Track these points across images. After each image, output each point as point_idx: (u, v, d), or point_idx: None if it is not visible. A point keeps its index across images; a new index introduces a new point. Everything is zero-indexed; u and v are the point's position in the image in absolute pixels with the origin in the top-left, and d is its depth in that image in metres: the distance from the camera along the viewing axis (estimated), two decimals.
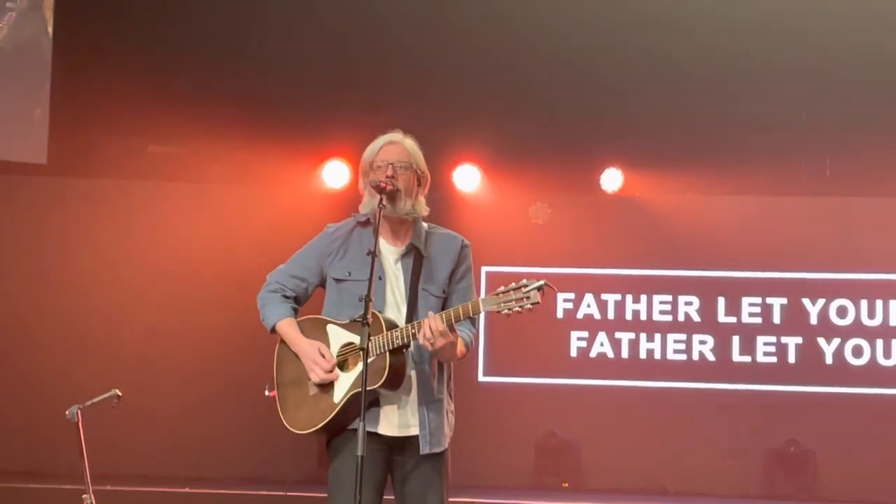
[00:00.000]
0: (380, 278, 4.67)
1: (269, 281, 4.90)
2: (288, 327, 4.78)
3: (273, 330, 4.82)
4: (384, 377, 4.51)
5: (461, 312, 4.46)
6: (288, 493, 7.90)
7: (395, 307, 4.69)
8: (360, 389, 4.38)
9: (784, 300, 9.95)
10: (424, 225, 4.84)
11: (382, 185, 4.65)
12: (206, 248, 9.80)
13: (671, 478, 9.61)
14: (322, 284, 4.84)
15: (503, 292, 4.37)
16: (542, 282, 4.32)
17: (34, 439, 9.15)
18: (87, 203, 9.96)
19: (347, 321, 4.65)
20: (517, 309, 4.34)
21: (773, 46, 9.32)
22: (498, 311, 4.39)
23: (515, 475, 9.57)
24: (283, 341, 4.82)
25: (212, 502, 8.36)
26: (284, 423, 4.76)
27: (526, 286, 4.33)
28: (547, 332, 10.00)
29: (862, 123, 9.47)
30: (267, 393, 4.84)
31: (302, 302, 4.89)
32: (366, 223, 4.76)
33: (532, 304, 4.32)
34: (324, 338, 4.70)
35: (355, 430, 4.37)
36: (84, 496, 6.17)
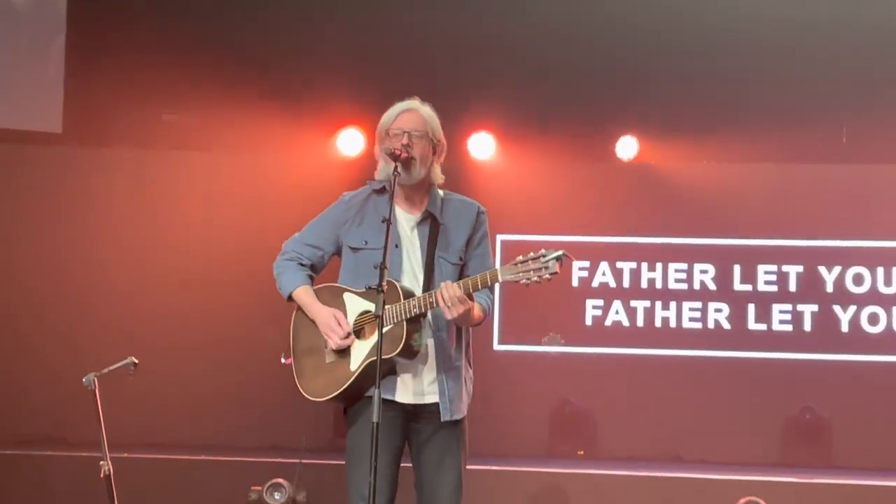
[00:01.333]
0: (396, 246, 4.68)
1: (285, 249, 4.91)
2: (304, 295, 4.80)
3: (290, 298, 4.84)
4: (401, 346, 4.53)
5: (479, 282, 4.47)
6: (303, 461, 7.91)
7: (411, 275, 4.70)
8: (376, 357, 4.39)
9: (800, 268, 9.93)
10: (440, 192, 4.84)
11: (397, 152, 4.66)
12: (220, 216, 9.81)
13: (686, 445, 9.61)
14: (338, 253, 4.85)
15: (521, 262, 4.37)
16: (560, 252, 4.31)
17: (51, 407, 9.19)
18: (101, 172, 9.97)
19: (364, 289, 4.65)
20: (535, 279, 4.34)
21: (790, 11, 9.25)
22: (516, 282, 4.38)
23: (530, 443, 9.59)
24: (299, 309, 4.83)
25: (228, 470, 8.39)
26: (301, 390, 4.77)
27: (545, 256, 4.33)
28: (562, 301, 9.99)
29: (879, 90, 9.41)
30: (283, 360, 4.86)
31: (318, 270, 4.90)
32: (381, 191, 4.76)
33: (551, 273, 4.32)
34: (340, 306, 4.72)
35: (371, 398, 4.38)
36: (101, 463, 6.21)
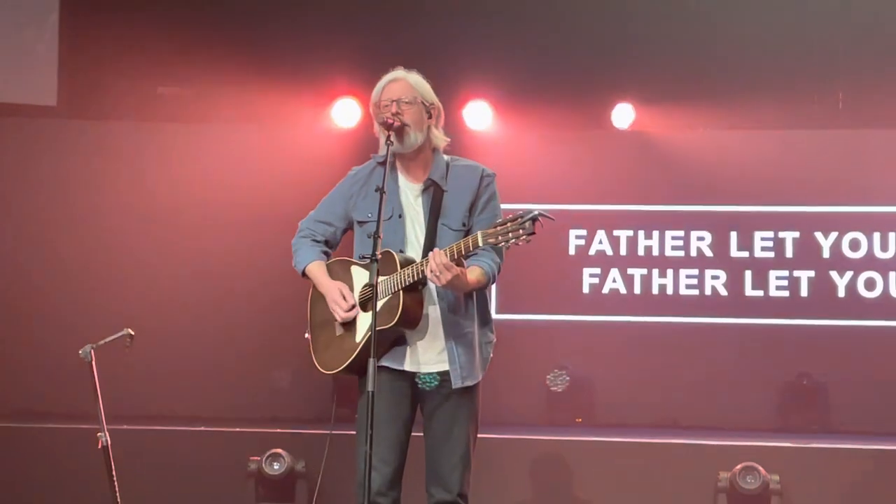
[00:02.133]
0: (399, 216, 4.72)
1: (300, 227, 5.00)
2: (316, 269, 4.88)
3: (304, 274, 4.89)
4: (397, 316, 4.55)
5: (462, 246, 4.48)
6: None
7: (416, 244, 4.73)
8: (377, 328, 4.42)
9: (796, 234, 9.93)
10: (445, 157, 4.85)
11: (389, 121, 4.67)
12: (216, 188, 9.80)
13: (683, 412, 9.64)
14: (351, 227, 4.89)
15: (500, 224, 4.38)
16: (536, 212, 4.32)
17: (48, 380, 9.20)
18: (96, 145, 9.95)
19: (366, 261, 4.69)
20: (513, 241, 4.34)
21: None
22: (496, 244, 4.39)
23: (529, 411, 9.62)
24: (314, 285, 4.89)
25: (227, 441, 8.42)
26: (315, 363, 4.82)
27: (521, 218, 4.33)
28: (559, 269, 10.00)
29: (875, 54, 9.40)
30: (307, 336, 4.93)
31: (333, 246, 4.97)
32: (384, 163, 4.77)
33: (528, 234, 4.31)
34: (348, 278, 4.78)
35: (381, 368, 4.43)
36: (99, 434, 6.24)
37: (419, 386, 4.68)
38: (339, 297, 4.72)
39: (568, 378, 8.96)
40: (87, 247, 9.76)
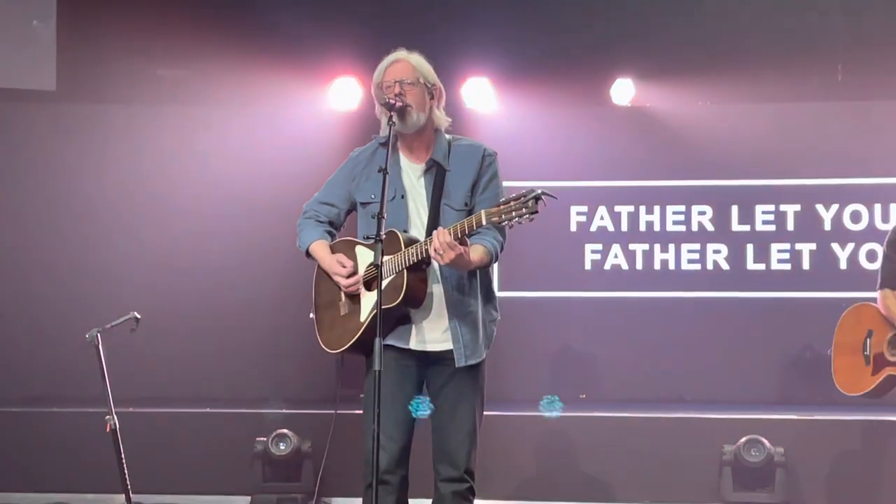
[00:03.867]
0: (402, 196, 4.74)
1: (305, 209, 5.04)
2: (319, 248, 4.91)
3: (308, 254, 4.92)
4: (402, 295, 4.58)
5: (465, 225, 4.50)
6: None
7: (419, 223, 4.76)
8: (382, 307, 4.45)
9: (797, 207, 9.93)
10: (447, 137, 4.88)
11: (392, 102, 4.69)
12: (217, 170, 9.80)
13: (688, 386, 9.67)
14: (354, 209, 4.92)
15: (504, 203, 4.40)
16: (539, 191, 4.34)
17: (56, 364, 9.23)
18: (97, 128, 9.94)
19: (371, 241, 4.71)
20: (517, 219, 4.36)
21: None
22: (499, 223, 4.41)
23: (532, 388, 9.62)
24: (319, 265, 4.92)
25: (233, 421, 8.47)
26: (321, 343, 4.85)
27: (525, 197, 4.35)
28: (561, 246, 10.01)
29: (873, 26, 9.39)
30: (312, 316, 4.95)
31: (337, 227, 5.01)
32: (386, 143, 4.80)
33: (531, 213, 4.34)
34: (353, 258, 4.81)
35: (387, 347, 4.45)
36: (107, 417, 6.27)
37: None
38: (339, 267, 4.75)
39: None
40: (90, 231, 9.77)
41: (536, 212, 4.33)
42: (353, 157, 5.00)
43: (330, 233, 4.97)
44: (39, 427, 8.35)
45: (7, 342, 9.48)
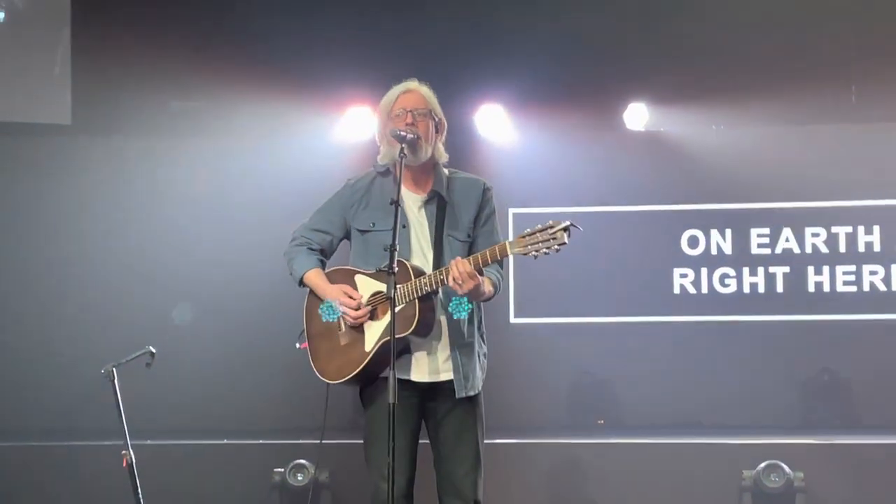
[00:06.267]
0: (403, 226, 4.72)
1: (294, 236, 4.97)
2: (316, 277, 4.85)
3: (301, 282, 4.87)
4: (414, 324, 4.56)
5: (489, 256, 4.48)
6: (323, 441, 7.95)
7: (420, 254, 4.74)
8: (389, 337, 4.41)
9: (816, 229, 9.87)
10: (445, 170, 4.87)
11: (403, 133, 4.68)
12: (232, 202, 9.81)
13: (705, 411, 9.61)
14: (346, 237, 4.89)
15: (529, 234, 4.39)
16: (567, 222, 4.33)
17: (72, 398, 9.21)
18: (112, 161, 9.96)
19: (374, 271, 4.68)
20: (545, 251, 4.35)
21: None
22: (525, 255, 4.39)
23: (551, 414, 9.62)
24: (311, 293, 4.87)
25: (250, 453, 8.45)
26: (317, 373, 4.81)
27: (552, 227, 4.33)
28: (577, 271, 9.96)
29: (886, 47, 9.37)
30: (298, 346, 4.90)
31: (328, 255, 4.95)
32: (385, 173, 4.79)
33: (559, 244, 4.32)
34: (353, 287, 4.75)
35: (387, 378, 4.40)
36: (123, 452, 6.26)
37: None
38: (346, 298, 4.72)
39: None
40: (106, 263, 9.77)
41: (565, 243, 4.31)
42: (350, 184, 4.97)
43: (322, 261, 4.94)
44: (57, 462, 8.34)
45: (23, 375, 9.47)
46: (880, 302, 9.70)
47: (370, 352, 4.66)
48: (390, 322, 4.40)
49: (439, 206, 4.79)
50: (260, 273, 9.49)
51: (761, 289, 9.91)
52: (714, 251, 10.02)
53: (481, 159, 9.27)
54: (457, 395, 4.70)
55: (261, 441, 8.60)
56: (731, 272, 9.96)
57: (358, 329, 4.71)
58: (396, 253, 4.43)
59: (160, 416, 8.93)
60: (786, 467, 7.73)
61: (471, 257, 4.52)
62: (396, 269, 4.42)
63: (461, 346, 4.72)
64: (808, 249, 9.89)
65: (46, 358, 9.55)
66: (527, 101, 9.77)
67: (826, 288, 9.84)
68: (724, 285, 9.96)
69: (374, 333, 4.67)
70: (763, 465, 7.75)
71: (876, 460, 8.00)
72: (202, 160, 9.91)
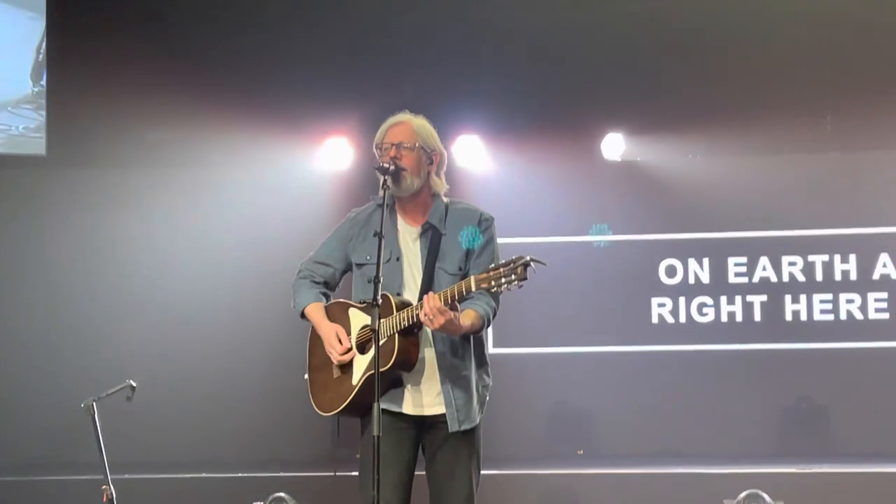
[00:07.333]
0: (397, 259, 4.72)
1: (300, 269, 5.01)
2: (314, 312, 4.87)
3: (303, 315, 4.89)
4: (393, 359, 4.55)
5: (455, 291, 4.47)
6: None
7: (413, 287, 4.72)
8: (373, 371, 4.41)
9: (793, 258, 9.92)
10: (445, 200, 4.86)
11: (385, 165, 4.70)
12: (209, 233, 9.80)
13: (686, 441, 9.61)
14: (350, 269, 4.90)
15: (493, 269, 4.39)
16: (527, 258, 4.32)
17: (51, 432, 9.17)
18: (88, 193, 9.94)
19: (364, 304, 4.69)
20: (505, 286, 4.34)
21: (769, 1, 9.30)
22: (489, 289, 4.39)
23: (529, 445, 9.60)
24: (313, 327, 4.89)
25: (230, 486, 8.40)
26: (314, 405, 4.82)
27: (514, 263, 4.33)
28: (556, 302, 9.97)
29: (861, 77, 9.44)
30: (306, 377, 4.93)
31: (332, 287, 4.97)
32: (382, 205, 4.78)
33: (520, 280, 4.32)
34: (346, 320, 4.78)
35: (382, 411, 4.40)
36: (103, 486, 6.22)
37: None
38: (336, 341, 4.73)
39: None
40: (84, 297, 9.74)
41: (525, 278, 4.31)
42: (351, 217, 4.98)
43: (325, 294, 4.94)
44: (36, 496, 8.28)
45: (1, 409, 9.41)
46: (857, 330, 9.74)
47: (356, 385, 4.65)
48: (374, 357, 4.40)
49: (433, 238, 4.78)
50: (239, 303, 9.50)
51: (739, 317, 9.95)
52: (692, 280, 10.05)
53: (458, 189, 9.18)
54: (450, 430, 4.68)
55: (240, 474, 8.55)
56: (709, 301, 10.00)
57: (349, 362, 4.71)
58: (380, 285, 4.42)
59: (140, 448, 8.89)
60: (766, 497, 7.72)
61: (441, 292, 4.51)
62: (381, 301, 4.41)
63: (455, 380, 4.70)
64: (785, 278, 9.94)
65: (25, 392, 9.50)
66: (504, 132, 9.81)
67: (803, 316, 9.89)
68: (701, 314, 10.00)
69: (360, 366, 4.66)
70: (743, 494, 7.73)
71: (854, 488, 8.01)
72: (179, 191, 9.90)
